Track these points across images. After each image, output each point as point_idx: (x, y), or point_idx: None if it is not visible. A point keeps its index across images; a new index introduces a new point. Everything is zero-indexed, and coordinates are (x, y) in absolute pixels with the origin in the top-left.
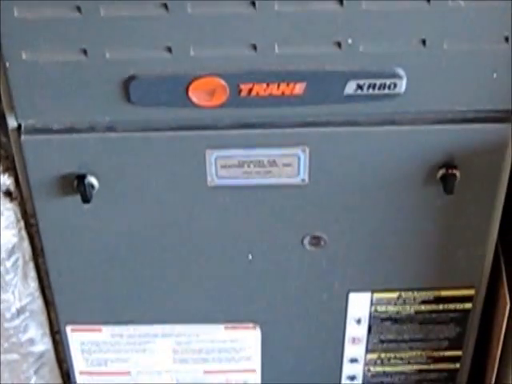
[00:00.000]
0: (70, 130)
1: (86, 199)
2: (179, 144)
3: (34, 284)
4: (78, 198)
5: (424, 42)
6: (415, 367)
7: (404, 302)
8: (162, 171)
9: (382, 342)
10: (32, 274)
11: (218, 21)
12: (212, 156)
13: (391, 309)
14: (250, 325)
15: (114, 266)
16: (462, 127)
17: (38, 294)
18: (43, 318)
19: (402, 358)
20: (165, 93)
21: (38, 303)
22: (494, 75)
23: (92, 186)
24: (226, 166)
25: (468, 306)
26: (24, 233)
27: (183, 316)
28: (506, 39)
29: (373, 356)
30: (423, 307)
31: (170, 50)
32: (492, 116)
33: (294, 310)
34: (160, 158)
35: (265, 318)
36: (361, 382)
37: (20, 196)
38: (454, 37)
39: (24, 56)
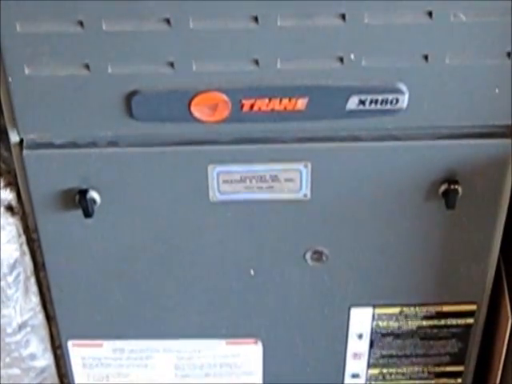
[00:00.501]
0: (72, 145)
1: (87, 214)
2: (181, 159)
3: (35, 299)
4: (80, 212)
5: (426, 57)
6: (417, 382)
7: (406, 318)
8: (164, 186)
9: (384, 357)
10: (33, 288)
11: (221, 36)
12: (214, 171)
13: (393, 324)
14: (252, 340)
15: (115, 281)
16: (464, 142)
17: (39, 308)
18: (44, 332)
19: (403, 373)
20: (167, 108)
21: (40, 318)
22: (496, 90)
23: (94, 201)
24: (228, 181)
25: (470, 321)
26: (25, 247)
27: (185, 331)
28: (508, 54)
29: (374, 371)
30: (425, 322)
31: (172, 65)
32: (494, 131)
33: (295, 324)
34: (162, 173)
35: (266, 332)
36: None
37: (22, 211)
38: (456, 52)
39: (26, 71)
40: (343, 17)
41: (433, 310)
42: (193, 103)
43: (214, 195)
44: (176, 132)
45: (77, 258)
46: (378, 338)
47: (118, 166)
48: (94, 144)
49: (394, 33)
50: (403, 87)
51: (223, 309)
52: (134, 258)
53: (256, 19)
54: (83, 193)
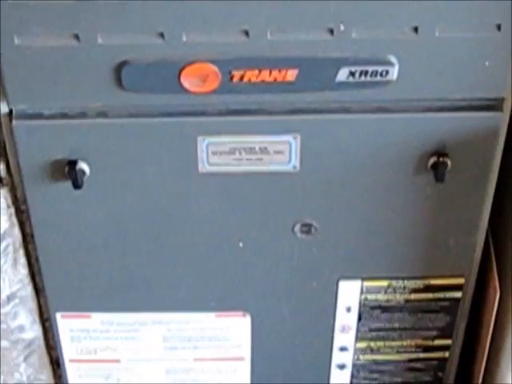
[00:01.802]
0: (62, 116)
1: (77, 185)
2: (171, 130)
3: (24, 271)
4: (69, 184)
5: (416, 29)
6: (405, 356)
7: (394, 291)
8: (154, 157)
9: (372, 330)
10: (22, 260)
11: (211, 6)
12: (203, 143)
13: (381, 297)
14: (240, 313)
15: (104, 253)
16: (454, 115)
17: (27, 280)
18: (33, 304)
19: (391, 347)
20: (157, 78)
21: (28, 290)
22: (486, 63)
23: (83, 172)
24: (217, 152)
25: (458, 294)
26: (14, 219)
27: (173, 304)
28: (499, 27)
29: (362, 345)
30: (413, 296)
31: (162, 35)
32: (483, 104)
33: (284, 297)
34: (151, 145)
35: (255, 305)
36: (350, 370)
37: (11, 182)
38: (446, 24)
39: (16, 41)
40: None
41: (421, 283)
42: (182, 74)
43: (204, 167)
44: (165, 103)
45: (66, 230)
46: (366, 311)
47: (107, 136)
48: (83, 115)
49: (384, 4)
50: (393, 59)
51: (212, 281)
52: (123, 229)
53: None
54: (72, 164)
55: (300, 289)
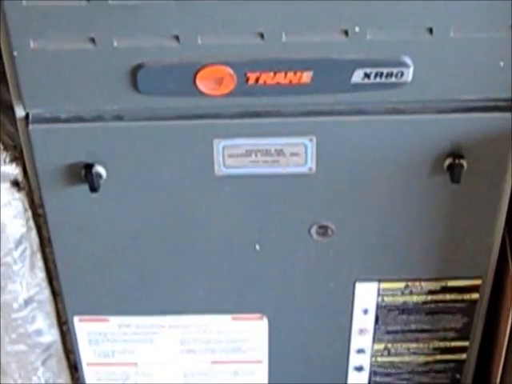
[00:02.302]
0: (78, 119)
1: (93, 188)
2: (186, 133)
3: (41, 274)
4: (86, 187)
5: (431, 30)
6: (422, 358)
7: (411, 293)
8: (170, 160)
9: (389, 332)
10: (39, 264)
11: (226, 9)
12: (219, 145)
13: (398, 299)
14: (258, 315)
15: (121, 256)
16: (469, 116)
17: (45, 284)
18: (50, 308)
19: (408, 349)
20: (172, 81)
21: (46, 294)
22: (501, 64)
23: (100, 176)
24: (233, 155)
25: (475, 296)
26: (32, 223)
27: (190, 306)
28: None
29: (380, 346)
30: (430, 297)
31: (177, 38)
32: (499, 105)
33: (300, 300)
34: (167, 147)
35: (272, 308)
36: (368, 372)
37: (28, 186)
38: (461, 25)
39: (32, 45)
40: None
41: (438, 284)
42: (198, 77)
43: (219, 169)
44: (181, 106)
45: (83, 233)
46: (383, 313)
47: (123, 140)
48: (99, 118)
49: (399, 5)
50: (408, 60)
51: (229, 284)
52: (140, 232)
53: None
54: (89, 167)
55: (317, 291)
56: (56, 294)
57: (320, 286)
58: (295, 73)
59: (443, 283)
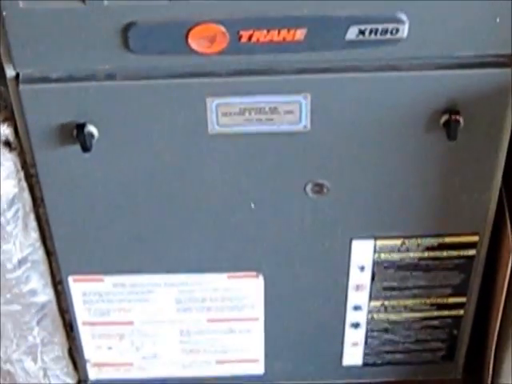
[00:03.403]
0: (69, 79)
1: (85, 148)
2: (180, 92)
3: (34, 234)
4: (78, 147)
5: None
6: (419, 314)
7: (407, 250)
8: (163, 119)
9: (386, 289)
10: (33, 224)
11: None
12: (213, 103)
13: (395, 256)
14: (253, 273)
15: (114, 215)
16: (465, 72)
17: (39, 244)
18: (45, 268)
19: (405, 306)
20: (164, 40)
21: (40, 254)
22: (497, 19)
23: (92, 135)
24: (226, 113)
25: (472, 252)
26: (24, 183)
27: (185, 265)
28: None
29: (376, 303)
30: (427, 254)
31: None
32: (494, 61)
33: (296, 257)
34: (160, 106)
35: (267, 266)
36: (364, 329)
37: (19, 146)
38: None
39: (21, 4)
40: None
41: (435, 241)
42: (190, 35)
43: (213, 128)
44: (174, 64)
45: (76, 193)
46: (379, 270)
47: (115, 99)
48: (91, 77)
49: None
50: (403, 16)
51: (224, 242)
52: (134, 192)
53: None
54: (81, 127)
55: (313, 249)
56: (50, 253)
57: (316, 243)
58: (289, 30)
59: (440, 240)
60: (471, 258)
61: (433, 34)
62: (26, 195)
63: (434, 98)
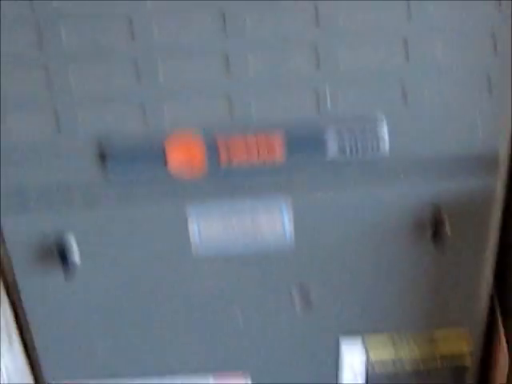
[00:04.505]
0: (49, 206)
1: (68, 272)
2: (160, 215)
3: (17, 345)
4: (60, 271)
5: (405, 95)
6: None
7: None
8: (145, 242)
9: None
10: (14, 336)
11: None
12: (195, 224)
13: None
14: (239, 372)
15: (99, 327)
16: (450, 182)
17: (22, 354)
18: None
19: None
20: (142, 166)
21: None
22: (480, 134)
23: (74, 261)
24: (209, 233)
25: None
26: (5, 296)
27: (170, 368)
28: (490, 90)
29: None
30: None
31: (143, 116)
32: (478, 169)
33: (284, 358)
34: (141, 229)
35: (254, 366)
36: None
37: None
38: (436, 90)
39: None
40: (317, 64)
41: (424, 337)
42: (169, 160)
43: (197, 248)
44: (153, 189)
45: (58, 313)
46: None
47: (96, 223)
48: (71, 202)
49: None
50: (385, 135)
51: (210, 344)
52: (118, 308)
53: (227, 68)
54: (62, 250)
55: (300, 349)
56: (33, 362)
57: (303, 344)
58: (268, 149)
59: (429, 336)
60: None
61: (414, 148)
62: (7, 307)
63: (420, 208)
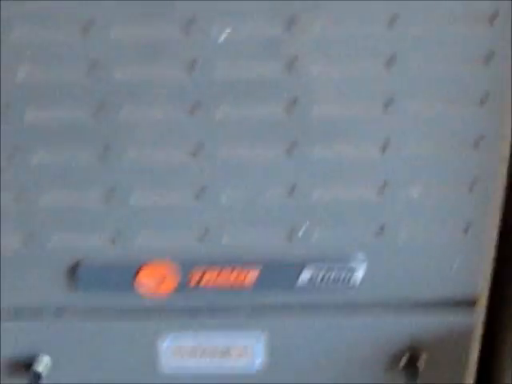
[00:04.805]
0: (17, 317)
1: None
2: (129, 332)
3: None
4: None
5: (382, 229)
6: None
7: None
8: (115, 357)
9: None
10: None
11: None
12: (163, 344)
13: None
14: None
15: None
16: (425, 317)
17: None
18: None
19: None
20: (112, 282)
21: None
22: (455, 266)
23: (41, 374)
24: (178, 353)
25: None
26: None
27: None
28: (465, 231)
29: None
30: None
31: (113, 241)
32: (455, 306)
33: None
34: (111, 345)
35: None
36: None
37: None
38: (412, 226)
39: None
40: (291, 192)
41: None
42: (138, 277)
43: (165, 367)
44: (122, 305)
45: None
46: None
47: (65, 336)
48: (40, 315)
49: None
50: (358, 263)
51: None
52: None
53: (197, 197)
54: (30, 364)
55: None
56: None
57: None
58: (239, 275)
59: None
60: None
61: (388, 280)
62: None
63: (393, 340)
